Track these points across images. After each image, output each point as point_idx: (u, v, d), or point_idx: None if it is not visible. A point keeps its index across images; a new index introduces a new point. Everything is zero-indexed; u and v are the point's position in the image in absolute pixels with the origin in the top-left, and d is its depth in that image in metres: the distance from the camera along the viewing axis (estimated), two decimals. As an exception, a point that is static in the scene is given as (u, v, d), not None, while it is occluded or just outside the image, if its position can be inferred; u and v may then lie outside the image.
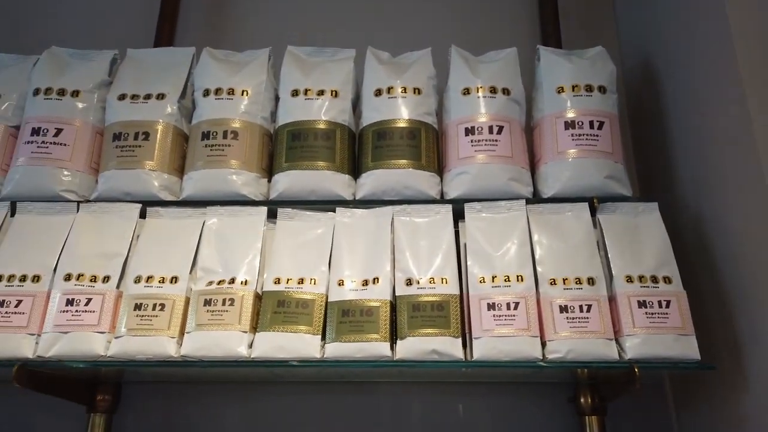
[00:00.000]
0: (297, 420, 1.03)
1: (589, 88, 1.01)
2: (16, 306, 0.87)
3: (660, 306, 0.85)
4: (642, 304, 0.86)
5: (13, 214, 0.96)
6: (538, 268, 0.89)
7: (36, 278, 0.89)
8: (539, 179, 1.00)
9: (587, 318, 0.85)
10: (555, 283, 0.88)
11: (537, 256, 0.90)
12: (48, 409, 1.05)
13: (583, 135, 0.98)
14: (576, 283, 0.88)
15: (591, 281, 0.88)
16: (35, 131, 0.99)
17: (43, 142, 0.99)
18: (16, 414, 1.05)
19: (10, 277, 0.89)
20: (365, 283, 0.90)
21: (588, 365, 0.83)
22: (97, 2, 1.36)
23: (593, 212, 0.95)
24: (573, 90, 1.01)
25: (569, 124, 0.99)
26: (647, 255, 0.90)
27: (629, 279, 0.88)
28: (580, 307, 0.86)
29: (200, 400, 1.05)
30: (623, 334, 0.84)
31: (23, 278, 0.89)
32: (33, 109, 1.02)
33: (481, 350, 0.84)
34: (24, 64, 1.08)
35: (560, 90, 1.01)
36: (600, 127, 0.98)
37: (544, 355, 0.84)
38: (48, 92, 1.02)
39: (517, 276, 0.88)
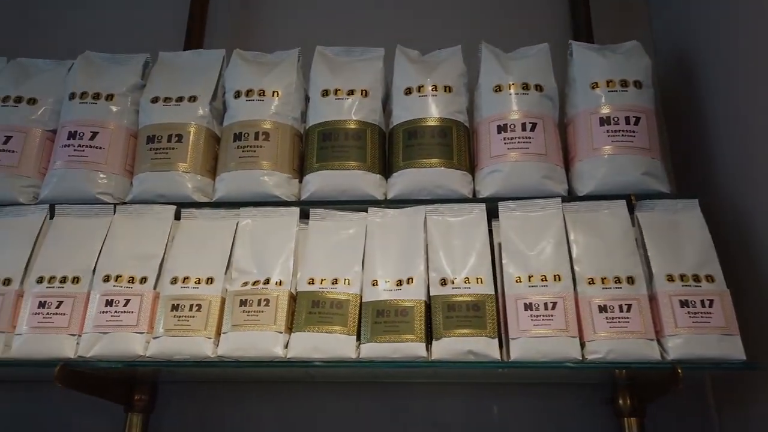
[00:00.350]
0: (331, 420, 1.03)
1: (624, 83, 0.99)
2: (57, 307, 0.89)
3: (703, 305, 0.83)
4: (684, 304, 0.84)
5: (52, 217, 0.98)
6: (576, 267, 0.88)
7: (76, 280, 0.91)
8: (574, 177, 0.98)
9: (627, 318, 0.84)
10: (593, 283, 0.86)
11: (574, 255, 0.89)
12: (87, 408, 1.06)
13: (619, 131, 0.96)
14: (615, 282, 0.86)
15: (630, 280, 0.86)
16: (72, 135, 1.01)
17: (79, 145, 1.00)
18: (56, 413, 1.07)
19: (51, 279, 0.91)
20: (399, 283, 0.89)
21: (629, 366, 0.82)
22: (127, 7, 1.38)
23: (631, 210, 0.93)
24: (608, 85, 0.99)
25: (604, 120, 0.97)
26: (688, 253, 0.88)
27: (670, 278, 0.86)
28: (620, 306, 0.84)
29: (235, 400, 1.05)
30: (665, 335, 0.83)
31: (63, 280, 0.91)
32: (69, 113, 1.03)
33: (518, 351, 0.83)
34: (59, 69, 1.10)
35: (594, 85, 0.99)
36: (636, 123, 0.96)
37: (583, 355, 0.83)
38: (83, 96, 1.04)
39: (554, 275, 0.87)
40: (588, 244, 0.90)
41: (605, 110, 0.97)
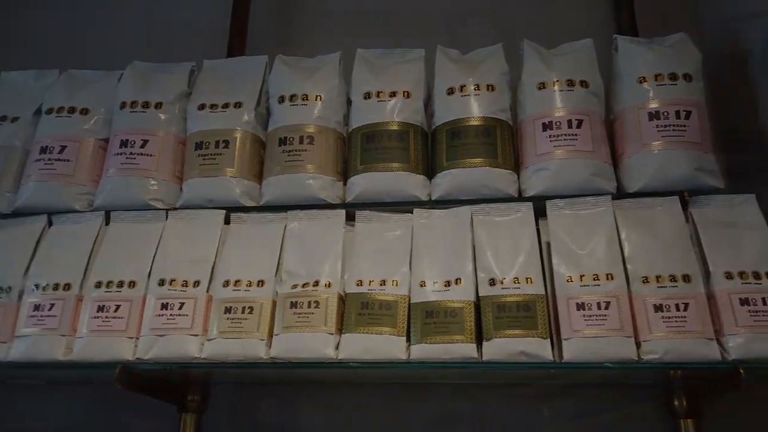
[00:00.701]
0: (379, 421, 1.04)
1: (673, 77, 0.96)
2: (115, 311, 0.91)
3: (764, 303, 0.81)
4: (744, 302, 0.81)
5: (107, 223, 1.01)
6: (629, 266, 0.86)
7: (132, 284, 0.93)
8: (623, 173, 0.96)
9: (684, 317, 0.82)
10: (648, 281, 0.85)
11: (626, 254, 0.87)
12: (141, 408, 1.09)
13: (669, 126, 0.94)
14: (670, 280, 0.84)
15: (686, 278, 0.84)
16: (123, 143, 1.04)
17: (130, 153, 1.03)
18: (113, 413, 1.10)
19: (109, 283, 0.94)
20: (447, 284, 0.89)
21: (689, 366, 0.80)
22: (170, 17, 1.41)
23: (684, 206, 0.91)
24: (656, 79, 0.97)
25: (653, 115, 0.95)
26: (747, 250, 0.85)
27: (729, 275, 0.84)
28: (677, 305, 0.82)
29: (285, 401, 1.07)
30: (725, 334, 0.80)
31: (120, 284, 0.93)
32: (120, 122, 1.06)
33: (571, 351, 0.82)
34: (109, 79, 1.13)
35: (642, 80, 0.97)
36: (687, 117, 0.94)
37: (639, 355, 0.81)
38: (133, 105, 1.07)
39: (607, 274, 0.85)
40: (641, 242, 0.88)
41: (654, 105, 0.95)
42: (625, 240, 0.89)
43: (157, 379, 0.96)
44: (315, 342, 0.87)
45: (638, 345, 0.82)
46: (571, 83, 0.98)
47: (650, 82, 0.97)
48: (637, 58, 1.00)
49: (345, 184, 1.02)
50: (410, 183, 0.98)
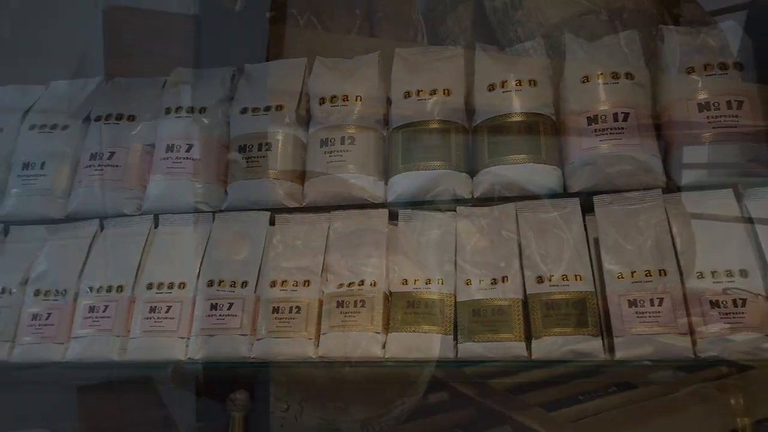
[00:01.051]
0: (424, 423, 1.04)
1: (723, 66, 0.94)
2: (167, 311, 0.94)
3: (828, 298, 0.78)
4: (807, 297, 0.78)
5: (156, 226, 1.03)
6: (682, 262, 0.84)
7: (182, 285, 0.96)
8: (672, 167, 0.93)
9: (742, 313, 0.79)
10: (702, 277, 0.82)
11: (679, 249, 0.85)
12: (188, 406, 1.11)
13: (721, 116, 0.91)
14: (727, 275, 0.82)
15: (743, 273, 0.82)
16: (169, 148, 1.06)
17: (176, 157, 1.05)
18: (162, 412, 1.13)
19: (159, 285, 0.96)
20: (494, 281, 0.89)
21: (748, 364, 0.78)
22: (209, 24, 1.44)
23: (738, 199, 0.88)
24: (705, 69, 0.94)
25: (703, 106, 0.92)
26: (809, 243, 0.83)
27: (789, 270, 0.81)
28: (734, 301, 0.80)
29: (329, 401, 1.08)
30: (786, 331, 0.78)
31: (171, 285, 0.96)
32: (165, 128, 1.09)
33: (624, 349, 0.81)
34: (154, 86, 1.16)
35: (690, 70, 0.95)
36: (739, 107, 0.91)
37: (695, 353, 0.79)
38: (178, 111, 1.09)
39: (660, 270, 0.83)
40: (694, 236, 0.86)
41: (703, 95, 0.93)
42: (677, 235, 0.87)
43: (208, 378, 0.98)
44: (362, 341, 0.87)
45: (694, 342, 0.80)
46: (615, 76, 0.96)
47: (699, 73, 0.94)
48: (683, 48, 0.97)
49: (386, 183, 1.02)
50: (452, 181, 0.98)
